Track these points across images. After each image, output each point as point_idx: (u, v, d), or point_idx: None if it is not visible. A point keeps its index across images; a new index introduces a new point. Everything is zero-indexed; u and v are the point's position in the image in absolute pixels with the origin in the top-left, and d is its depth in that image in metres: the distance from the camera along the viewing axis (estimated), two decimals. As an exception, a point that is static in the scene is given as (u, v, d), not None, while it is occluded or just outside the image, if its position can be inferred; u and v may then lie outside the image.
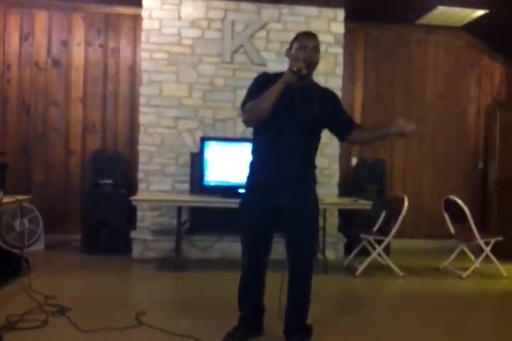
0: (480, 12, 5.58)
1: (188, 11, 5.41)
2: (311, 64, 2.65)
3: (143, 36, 5.41)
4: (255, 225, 2.78)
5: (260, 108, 2.60)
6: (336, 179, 5.63)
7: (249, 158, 2.87)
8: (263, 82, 2.70)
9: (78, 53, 5.81)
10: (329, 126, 2.87)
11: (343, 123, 2.84)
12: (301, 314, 2.81)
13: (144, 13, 5.38)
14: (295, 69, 2.53)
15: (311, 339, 2.83)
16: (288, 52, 2.77)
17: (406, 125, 2.58)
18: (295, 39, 2.74)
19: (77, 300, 3.59)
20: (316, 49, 2.69)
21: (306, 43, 2.67)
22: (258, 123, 2.71)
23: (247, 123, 2.79)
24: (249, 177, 2.86)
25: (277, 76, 2.64)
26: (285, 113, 2.64)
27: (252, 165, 2.85)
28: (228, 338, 2.84)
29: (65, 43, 5.79)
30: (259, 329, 2.98)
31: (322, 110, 2.73)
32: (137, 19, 5.68)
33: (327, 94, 2.88)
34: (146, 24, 5.39)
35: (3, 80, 5.70)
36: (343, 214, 5.64)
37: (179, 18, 5.41)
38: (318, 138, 2.86)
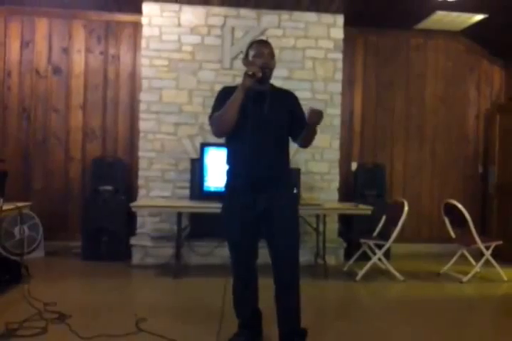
0: (478, 16, 5.60)
1: (188, 17, 5.44)
2: (268, 69, 2.76)
3: (143, 43, 5.44)
4: (235, 232, 2.83)
5: (226, 117, 2.68)
6: (335, 184, 5.64)
7: (226, 164, 2.94)
8: (225, 94, 2.77)
9: (78, 60, 5.83)
10: (287, 127, 2.85)
11: (295, 124, 2.83)
12: (292, 321, 2.80)
13: (144, 20, 5.41)
14: (250, 73, 2.63)
15: None
16: (244, 60, 2.86)
17: (312, 113, 2.59)
18: (250, 47, 2.85)
19: (77, 307, 3.59)
20: (271, 55, 2.81)
21: (262, 50, 2.78)
22: (227, 132, 2.78)
23: (217, 134, 2.85)
24: (225, 186, 2.91)
25: (236, 88, 2.71)
26: (242, 118, 2.69)
27: (227, 173, 2.91)
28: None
29: (66, 50, 5.82)
30: (259, 335, 2.98)
31: (274, 111, 2.76)
32: (137, 26, 5.71)
33: (284, 95, 2.92)
34: (146, 31, 5.42)
35: (4, 87, 5.72)
36: (343, 219, 5.64)
37: (179, 25, 5.44)
38: (282, 140, 2.86)
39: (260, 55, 2.76)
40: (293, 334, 2.80)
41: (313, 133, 2.74)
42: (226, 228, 2.89)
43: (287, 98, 2.90)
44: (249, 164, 2.75)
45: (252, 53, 2.80)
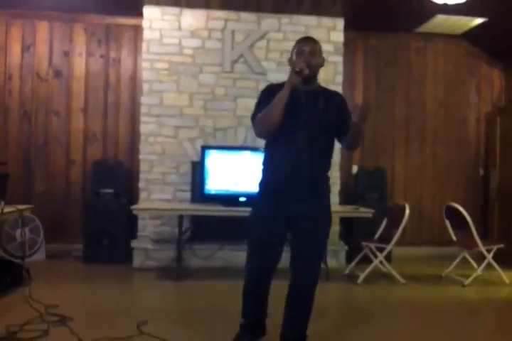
0: (478, 20, 5.62)
1: (189, 21, 5.45)
2: (310, 66, 2.61)
3: (144, 46, 5.45)
4: (265, 235, 2.74)
5: (271, 116, 2.59)
6: (337, 187, 5.62)
7: (261, 167, 2.84)
8: (270, 92, 2.69)
9: (79, 63, 5.84)
10: (334, 128, 2.75)
11: (342, 126, 2.69)
12: (301, 326, 2.76)
13: (145, 24, 5.42)
14: (297, 69, 2.54)
15: None
16: (290, 60, 2.78)
17: (360, 107, 2.53)
18: (294, 45, 2.78)
19: (79, 310, 3.58)
20: (314, 53, 2.70)
21: (303, 48, 2.70)
22: (271, 133, 2.65)
23: (261, 135, 2.74)
24: (260, 186, 2.83)
25: (282, 85, 2.62)
26: (293, 118, 2.60)
27: (264, 173, 2.81)
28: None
29: (67, 54, 5.83)
30: (262, 336, 2.95)
31: (326, 110, 2.68)
32: (138, 29, 5.72)
33: (334, 96, 2.84)
34: (146, 34, 5.43)
35: (5, 90, 5.73)
36: (345, 222, 5.64)
37: (179, 28, 5.45)
38: (330, 142, 2.78)
39: (301, 52, 2.69)
40: (295, 339, 2.77)
41: (361, 131, 2.62)
42: (254, 229, 2.79)
43: (337, 99, 2.82)
44: (291, 169, 2.65)
45: (294, 51, 2.74)
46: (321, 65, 2.77)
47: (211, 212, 4.72)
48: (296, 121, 2.62)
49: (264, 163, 2.83)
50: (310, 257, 2.73)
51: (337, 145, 2.86)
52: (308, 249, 2.71)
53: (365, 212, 4.82)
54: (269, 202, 2.73)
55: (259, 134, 2.75)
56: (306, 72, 2.55)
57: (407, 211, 4.73)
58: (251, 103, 2.99)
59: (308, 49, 2.69)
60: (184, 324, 3.39)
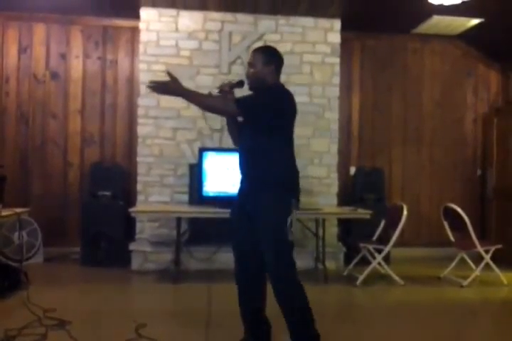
0: (475, 21, 5.62)
1: (186, 22, 5.45)
2: (247, 77, 2.86)
3: (141, 48, 5.45)
4: (235, 234, 2.89)
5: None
6: (334, 188, 5.64)
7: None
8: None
9: (76, 65, 5.83)
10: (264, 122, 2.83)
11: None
12: (293, 324, 2.69)
13: (142, 26, 5.42)
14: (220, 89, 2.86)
15: None
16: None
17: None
18: None
19: (77, 313, 3.57)
20: (250, 64, 2.86)
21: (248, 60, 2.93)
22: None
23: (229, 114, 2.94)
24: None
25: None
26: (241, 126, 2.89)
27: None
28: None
29: (64, 56, 5.82)
30: None
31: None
32: (135, 31, 5.72)
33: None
34: (143, 36, 5.43)
35: (2, 93, 5.72)
36: (343, 223, 5.64)
37: (176, 30, 5.45)
38: (263, 142, 2.76)
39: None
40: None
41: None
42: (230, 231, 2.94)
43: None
44: (241, 169, 2.87)
45: None
46: (262, 73, 2.85)
47: (209, 214, 4.72)
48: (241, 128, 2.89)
49: None
50: (266, 254, 2.69)
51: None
52: (262, 244, 2.72)
53: (363, 213, 4.82)
54: (235, 202, 2.94)
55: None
56: (226, 88, 2.83)
57: (405, 212, 4.73)
58: (248, 105, 3.00)
59: (248, 61, 2.91)
60: (183, 327, 3.38)
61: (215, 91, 2.83)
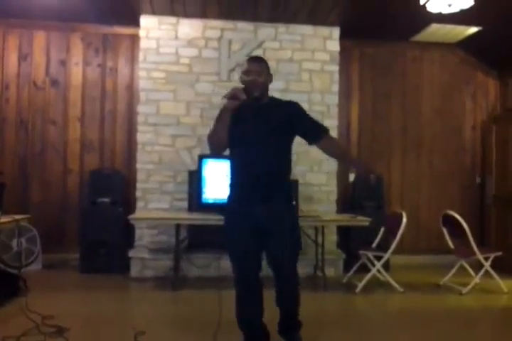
0: (473, 29, 5.66)
1: (185, 30, 5.48)
2: (256, 86, 2.78)
3: (140, 55, 5.48)
4: (236, 244, 2.88)
5: (217, 136, 2.80)
6: (334, 195, 5.64)
7: (228, 181, 3.00)
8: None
9: (76, 73, 5.85)
10: (291, 133, 2.92)
11: (303, 131, 2.93)
12: (290, 321, 2.93)
13: (142, 33, 5.45)
14: (228, 96, 2.70)
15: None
16: (240, 79, 2.91)
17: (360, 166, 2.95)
18: (243, 65, 2.93)
19: (76, 320, 3.55)
20: (258, 72, 2.82)
21: (250, 68, 2.84)
22: (223, 149, 2.87)
23: (214, 152, 2.94)
24: (228, 198, 3.01)
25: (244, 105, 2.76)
26: (244, 133, 2.80)
27: (230, 186, 2.99)
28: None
29: (64, 63, 5.84)
30: None
31: (276, 121, 2.83)
32: (135, 39, 5.74)
33: (285, 106, 2.96)
34: (143, 43, 5.46)
35: (2, 99, 5.73)
36: (342, 230, 5.64)
37: (176, 38, 5.48)
38: (280, 151, 2.89)
39: (247, 72, 2.82)
40: (288, 329, 2.94)
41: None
42: (228, 240, 2.92)
43: (289, 108, 2.94)
44: (249, 178, 2.84)
45: (242, 70, 2.89)
46: (268, 83, 2.89)
47: (208, 221, 4.70)
48: (247, 134, 2.80)
49: (230, 175, 3.00)
50: (282, 258, 2.86)
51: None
52: (279, 250, 2.84)
53: (363, 221, 4.81)
54: (237, 210, 2.94)
55: (213, 152, 2.95)
56: (243, 97, 2.69)
57: (404, 219, 4.73)
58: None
59: (255, 69, 2.83)
60: (182, 334, 3.37)
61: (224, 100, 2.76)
